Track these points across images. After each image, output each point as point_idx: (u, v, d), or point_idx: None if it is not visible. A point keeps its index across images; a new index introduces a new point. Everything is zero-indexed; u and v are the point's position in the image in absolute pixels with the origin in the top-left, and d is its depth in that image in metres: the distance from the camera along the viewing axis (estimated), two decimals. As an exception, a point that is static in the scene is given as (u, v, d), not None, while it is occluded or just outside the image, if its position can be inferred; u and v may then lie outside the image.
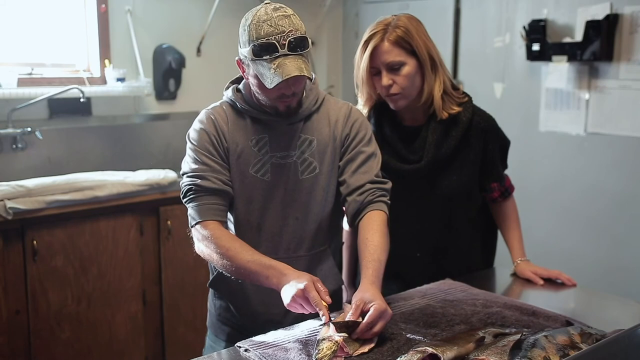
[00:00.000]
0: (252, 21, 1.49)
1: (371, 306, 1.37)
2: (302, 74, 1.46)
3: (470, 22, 3.61)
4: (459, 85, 2.72)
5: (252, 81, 1.57)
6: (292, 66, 1.46)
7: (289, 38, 1.46)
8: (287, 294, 1.41)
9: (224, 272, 1.58)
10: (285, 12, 1.50)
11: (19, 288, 2.58)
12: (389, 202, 1.67)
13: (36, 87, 3.07)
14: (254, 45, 1.47)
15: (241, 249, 1.54)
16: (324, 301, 1.39)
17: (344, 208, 1.71)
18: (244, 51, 1.52)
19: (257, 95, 1.60)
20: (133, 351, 2.92)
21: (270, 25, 1.46)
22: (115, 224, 2.81)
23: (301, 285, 1.38)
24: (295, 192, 1.65)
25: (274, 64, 1.46)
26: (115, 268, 2.83)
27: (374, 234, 1.57)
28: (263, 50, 1.47)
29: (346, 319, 1.37)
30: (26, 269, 2.59)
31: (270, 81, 1.47)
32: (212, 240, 1.55)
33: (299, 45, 1.48)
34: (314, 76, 1.70)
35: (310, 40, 1.52)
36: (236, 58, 1.59)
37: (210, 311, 1.85)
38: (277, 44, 1.46)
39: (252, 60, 1.50)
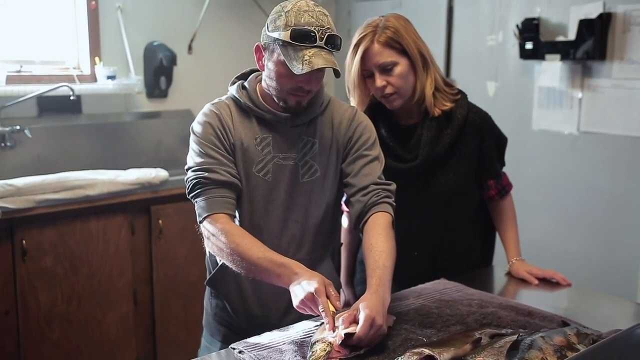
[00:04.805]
0: (291, 9, 1.49)
1: (361, 316, 1.32)
2: (335, 67, 1.48)
3: (463, 21, 3.60)
4: (454, 82, 2.70)
5: (270, 67, 1.54)
6: (327, 59, 1.47)
7: (327, 34, 1.48)
8: (297, 295, 1.38)
9: (235, 269, 1.53)
10: (324, 11, 1.52)
11: (8, 288, 2.55)
12: (394, 203, 1.65)
13: (25, 84, 3.04)
14: (294, 29, 1.46)
15: (252, 245, 1.50)
16: (334, 306, 1.36)
17: (346, 209, 1.67)
18: (276, 34, 1.49)
19: (268, 86, 1.58)
20: (124, 351, 2.90)
21: (312, 17, 1.48)
22: (106, 223, 2.78)
23: (312, 289, 1.35)
24: (295, 195, 1.63)
25: (309, 52, 1.46)
26: (106, 267, 2.80)
27: (378, 239, 1.54)
28: (302, 36, 1.46)
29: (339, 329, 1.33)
30: (15, 269, 2.56)
31: (301, 68, 1.45)
32: (222, 235, 1.51)
33: (333, 44, 1.50)
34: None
35: (341, 42, 1.54)
36: (257, 43, 1.57)
37: (206, 310, 1.82)
38: (316, 34, 1.47)
39: (285, 43, 1.48)
